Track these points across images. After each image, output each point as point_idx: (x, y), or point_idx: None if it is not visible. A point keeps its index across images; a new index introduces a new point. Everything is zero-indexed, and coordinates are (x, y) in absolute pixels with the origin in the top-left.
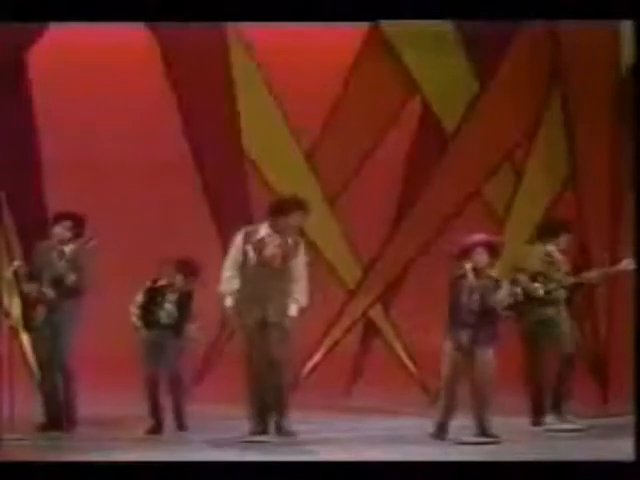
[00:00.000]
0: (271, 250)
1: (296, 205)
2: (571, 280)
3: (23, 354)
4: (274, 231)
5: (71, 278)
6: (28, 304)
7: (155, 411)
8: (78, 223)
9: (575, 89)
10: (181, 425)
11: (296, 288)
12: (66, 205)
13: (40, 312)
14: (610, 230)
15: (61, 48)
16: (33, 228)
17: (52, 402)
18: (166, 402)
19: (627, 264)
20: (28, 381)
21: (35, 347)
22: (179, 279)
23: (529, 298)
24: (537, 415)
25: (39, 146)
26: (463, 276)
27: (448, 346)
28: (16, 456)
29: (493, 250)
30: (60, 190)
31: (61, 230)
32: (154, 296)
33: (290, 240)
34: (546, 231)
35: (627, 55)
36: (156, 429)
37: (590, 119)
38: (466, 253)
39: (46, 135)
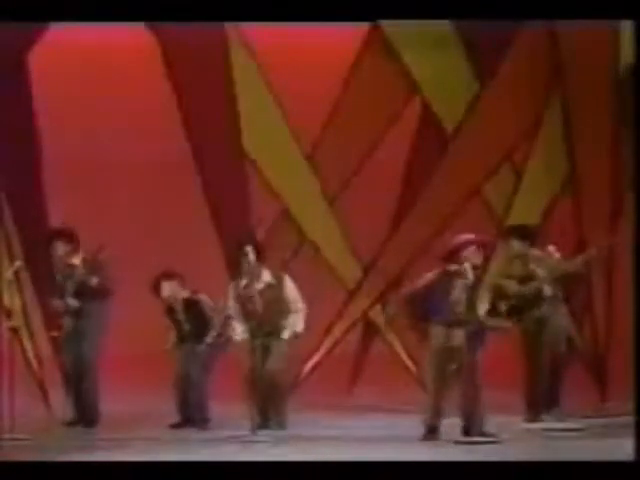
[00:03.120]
0: (251, 295)
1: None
2: (555, 272)
3: (23, 354)
4: (248, 278)
5: (93, 281)
6: (55, 316)
7: (184, 409)
8: (70, 238)
9: (575, 89)
10: (204, 426)
11: (290, 319)
12: (65, 205)
13: (67, 322)
14: (609, 230)
15: (62, 48)
16: (33, 228)
17: (87, 402)
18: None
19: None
20: (28, 381)
21: (65, 355)
22: (167, 290)
23: (521, 301)
24: (531, 412)
25: (39, 146)
26: (455, 275)
27: (435, 345)
28: (16, 456)
29: (482, 250)
30: (60, 190)
31: (59, 246)
32: (171, 314)
33: (271, 279)
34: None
35: (627, 55)
36: (182, 424)
37: (590, 119)
38: (456, 253)
39: (46, 135)
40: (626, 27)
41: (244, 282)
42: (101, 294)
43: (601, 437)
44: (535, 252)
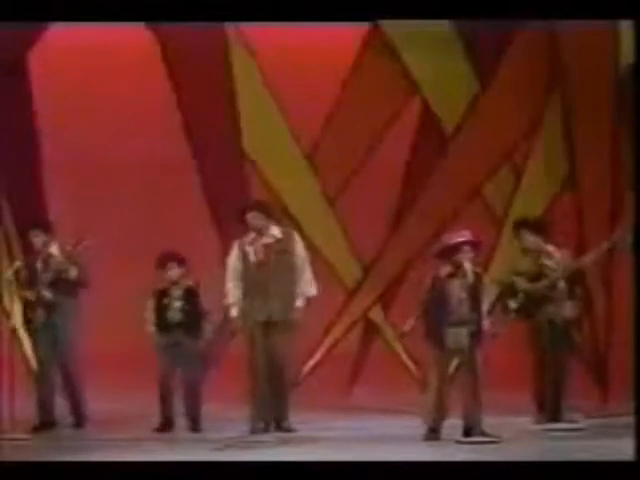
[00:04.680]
0: (257, 249)
1: (249, 207)
2: (568, 269)
3: (23, 354)
4: (256, 233)
5: (73, 273)
6: (27, 307)
7: (166, 410)
8: (47, 228)
9: (574, 89)
10: (196, 427)
11: (300, 279)
12: (65, 205)
13: (40, 314)
14: (609, 230)
15: (62, 48)
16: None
17: (47, 404)
18: (180, 403)
19: (616, 237)
20: (28, 381)
21: (35, 348)
22: (175, 272)
23: (532, 298)
24: (540, 414)
25: (39, 146)
26: (453, 275)
27: (439, 346)
28: (16, 456)
29: (477, 249)
30: (60, 190)
31: (37, 237)
32: (161, 298)
33: (279, 234)
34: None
35: (627, 55)
36: (166, 427)
37: (590, 119)
38: (451, 252)
39: (46, 135)
40: (626, 27)
41: (250, 237)
42: (78, 287)
43: (602, 437)
44: (547, 247)
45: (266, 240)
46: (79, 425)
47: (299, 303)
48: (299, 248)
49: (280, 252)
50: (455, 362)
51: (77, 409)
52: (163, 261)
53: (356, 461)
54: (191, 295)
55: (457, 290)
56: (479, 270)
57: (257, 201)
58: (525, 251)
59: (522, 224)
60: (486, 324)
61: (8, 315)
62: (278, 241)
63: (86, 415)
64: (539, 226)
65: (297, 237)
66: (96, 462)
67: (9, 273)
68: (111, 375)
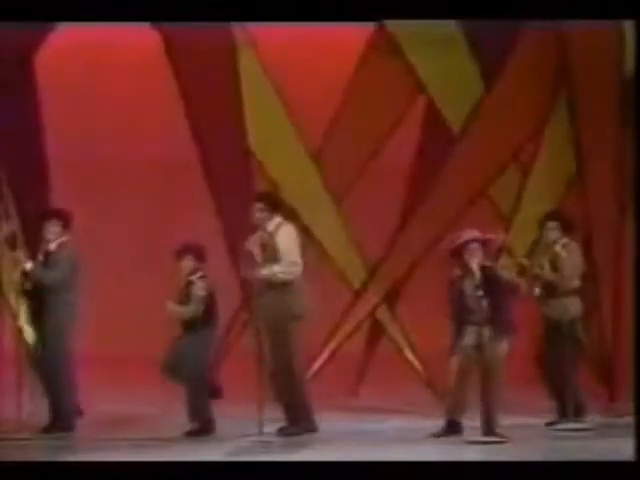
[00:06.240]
0: (251, 248)
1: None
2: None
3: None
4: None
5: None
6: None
7: (199, 412)
8: (66, 220)
9: (581, 89)
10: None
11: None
12: (73, 205)
13: (28, 286)
14: (615, 229)
15: (68, 48)
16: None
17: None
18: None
19: None
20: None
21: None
22: (187, 265)
23: (550, 293)
24: (549, 414)
25: (46, 144)
26: (465, 274)
27: (458, 345)
28: (18, 456)
29: (486, 246)
30: (66, 188)
31: (50, 228)
32: (182, 292)
33: (272, 227)
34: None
35: (632, 55)
36: (204, 430)
37: (596, 119)
38: (459, 252)
39: (53, 134)
40: (629, 27)
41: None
42: (60, 287)
43: (608, 437)
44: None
45: (261, 234)
46: (68, 429)
47: (264, 272)
48: (283, 241)
49: (266, 245)
50: (474, 361)
51: (69, 412)
52: (180, 253)
53: (362, 461)
54: (189, 288)
55: (470, 289)
56: (489, 263)
57: (261, 193)
58: (548, 244)
59: (552, 216)
60: (522, 284)
61: (14, 316)
62: (269, 235)
63: (72, 419)
64: (564, 219)
65: (286, 231)
66: (96, 462)
67: (17, 273)
68: (112, 376)
